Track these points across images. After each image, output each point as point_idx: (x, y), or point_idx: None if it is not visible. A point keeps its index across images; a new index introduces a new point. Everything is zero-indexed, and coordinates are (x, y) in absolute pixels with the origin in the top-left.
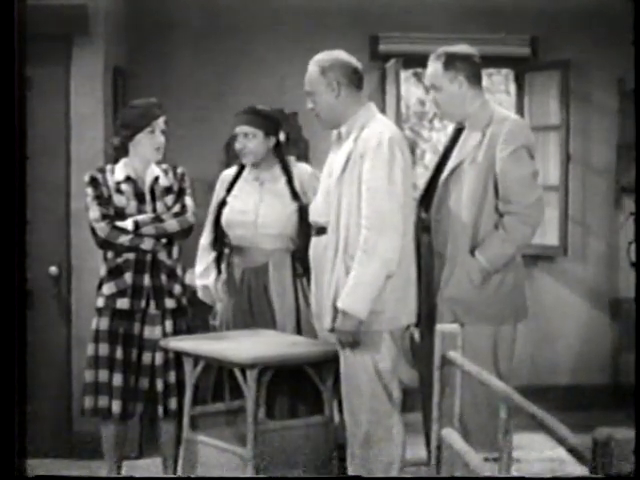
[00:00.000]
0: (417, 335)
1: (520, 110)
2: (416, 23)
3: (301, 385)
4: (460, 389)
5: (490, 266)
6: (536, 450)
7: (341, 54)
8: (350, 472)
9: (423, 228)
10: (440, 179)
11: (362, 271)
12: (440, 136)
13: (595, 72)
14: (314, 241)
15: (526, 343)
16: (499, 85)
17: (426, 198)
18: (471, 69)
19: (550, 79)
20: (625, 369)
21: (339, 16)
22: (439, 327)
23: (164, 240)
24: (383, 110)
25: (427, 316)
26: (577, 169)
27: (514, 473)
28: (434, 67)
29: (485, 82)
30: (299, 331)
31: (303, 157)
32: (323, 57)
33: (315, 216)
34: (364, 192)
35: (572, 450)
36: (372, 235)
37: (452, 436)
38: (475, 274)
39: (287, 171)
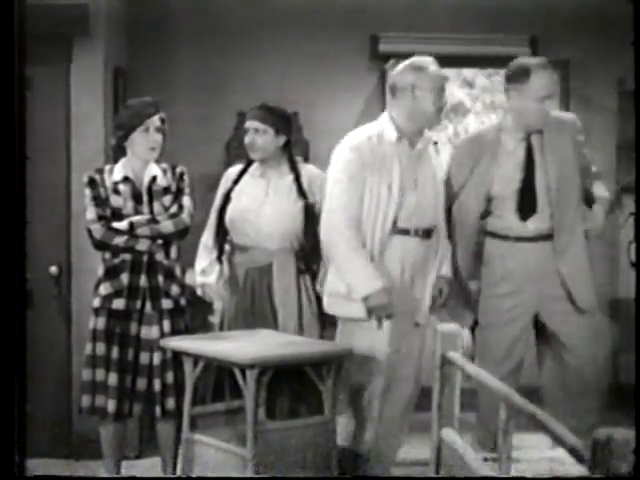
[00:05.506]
0: None
1: None
2: (416, 23)
3: (301, 385)
4: (460, 389)
5: None
6: (536, 450)
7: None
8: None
9: None
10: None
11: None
12: (440, 136)
13: (595, 72)
14: (412, 242)
15: None
16: (499, 85)
17: None
18: None
19: None
20: (625, 369)
21: (339, 16)
22: (439, 327)
23: (160, 241)
24: (383, 110)
25: None
26: None
27: (514, 473)
28: (550, 76)
29: (485, 82)
30: (301, 331)
31: (303, 157)
32: None
33: (422, 220)
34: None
35: (572, 450)
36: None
37: (452, 436)
38: None
39: (295, 170)
